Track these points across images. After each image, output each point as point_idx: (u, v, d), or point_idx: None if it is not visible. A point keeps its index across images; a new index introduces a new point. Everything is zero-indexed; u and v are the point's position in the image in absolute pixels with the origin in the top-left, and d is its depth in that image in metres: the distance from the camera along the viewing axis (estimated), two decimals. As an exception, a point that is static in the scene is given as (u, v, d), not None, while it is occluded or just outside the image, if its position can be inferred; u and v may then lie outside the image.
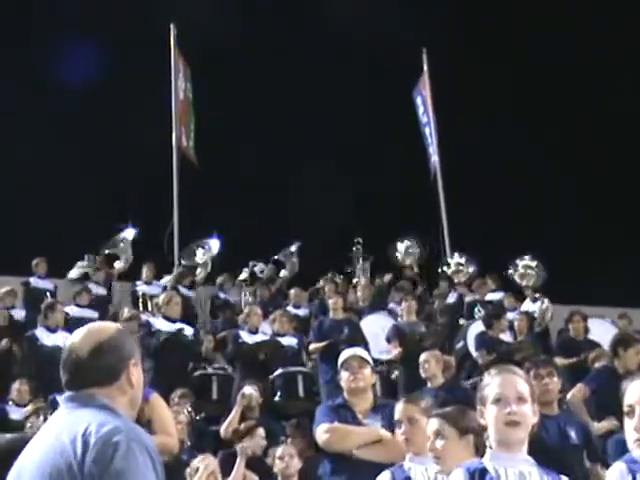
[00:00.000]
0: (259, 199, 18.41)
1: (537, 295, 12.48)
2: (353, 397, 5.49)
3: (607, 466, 4.40)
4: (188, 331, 9.70)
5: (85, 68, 17.64)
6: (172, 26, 15.70)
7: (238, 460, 7.07)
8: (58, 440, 2.61)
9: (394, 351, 10.19)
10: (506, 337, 10.61)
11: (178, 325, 9.58)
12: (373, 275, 14.96)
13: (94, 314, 12.08)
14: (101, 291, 13.34)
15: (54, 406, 8.66)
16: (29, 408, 8.46)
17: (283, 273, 14.91)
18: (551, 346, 10.67)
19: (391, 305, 12.57)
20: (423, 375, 8.54)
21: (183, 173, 15.24)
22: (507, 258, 13.78)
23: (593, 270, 16.92)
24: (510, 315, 11.48)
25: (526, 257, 13.59)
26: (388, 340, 10.31)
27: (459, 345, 10.84)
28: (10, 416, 9.16)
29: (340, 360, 5.63)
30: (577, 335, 10.33)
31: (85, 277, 13.62)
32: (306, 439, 7.99)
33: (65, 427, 2.64)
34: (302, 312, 12.80)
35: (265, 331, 10.63)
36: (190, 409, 8.15)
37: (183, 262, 14.01)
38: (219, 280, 13.92)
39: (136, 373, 2.82)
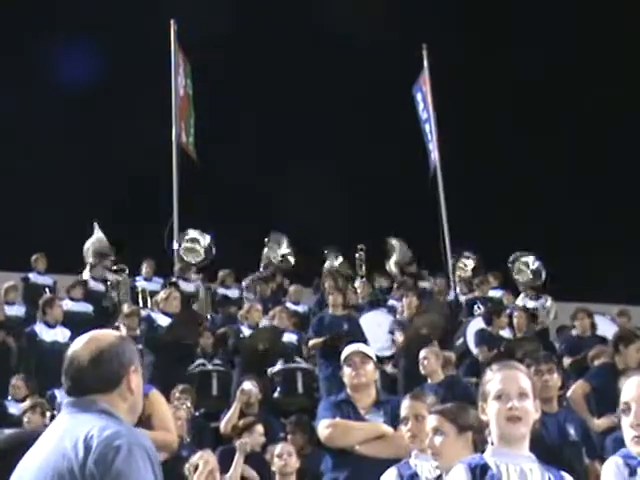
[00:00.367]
0: (257, 199, 18.42)
1: (538, 294, 12.52)
2: (355, 393, 5.47)
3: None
4: None
5: (84, 64, 17.64)
6: (172, 22, 15.69)
7: (237, 456, 7.07)
8: (60, 444, 2.65)
9: (399, 339, 10.17)
10: (506, 334, 10.63)
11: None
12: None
13: (88, 308, 12.15)
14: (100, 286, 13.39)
15: (52, 401, 8.71)
16: (26, 403, 8.48)
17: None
18: (551, 343, 10.65)
19: (391, 302, 12.56)
20: (423, 372, 8.54)
21: (183, 169, 15.22)
22: (507, 255, 13.77)
23: (592, 267, 16.91)
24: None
25: (531, 256, 13.63)
26: (391, 332, 10.32)
27: (459, 342, 10.84)
28: (9, 411, 9.27)
29: (343, 356, 5.62)
30: (583, 332, 10.24)
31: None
32: (306, 436, 8.00)
33: (67, 431, 2.68)
34: (301, 308, 12.84)
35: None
36: (190, 405, 8.15)
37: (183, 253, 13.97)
38: (220, 275, 13.92)
39: (136, 380, 2.86)
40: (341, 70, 19.30)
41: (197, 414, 8.94)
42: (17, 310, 11.73)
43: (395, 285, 13.19)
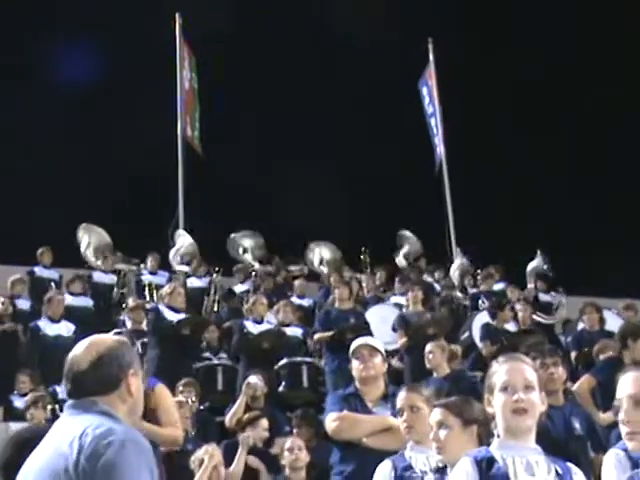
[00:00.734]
0: (257, 199, 18.42)
1: (559, 289, 12.54)
2: (364, 386, 5.48)
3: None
4: None
5: (84, 64, 17.65)
6: (177, 15, 15.69)
7: (239, 450, 7.06)
8: (59, 444, 2.71)
9: (400, 340, 10.17)
10: (511, 327, 10.63)
11: (182, 316, 9.59)
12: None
13: (88, 302, 12.14)
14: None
15: (54, 397, 8.71)
16: (28, 398, 8.47)
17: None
18: (556, 337, 10.63)
19: (395, 297, 12.53)
20: (428, 365, 8.54)
21: (188, 163, 15.23)
22: (512, 250, 13.77)
23: (592, 267, 16.91)
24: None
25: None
26: (394, 329, 10.31)
27: (464, 336, 10.84)
28: (14, 405, 9.37)
29: (351, 349, 5.62)
30: (591, 327, 10.18)
31: None
32: (312, 429, 7.99)
33: (66, 432, 2.74)
34: (306, 302, 12.84)
35: (270, 321, 10.60)
36: (194, 399, 8.13)
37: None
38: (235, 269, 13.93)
39: (135, 383, 2.91)
40: (341, 70, 19.34)
41: (202, 408, 8.93)
42: (23, 304, 11.72)
43: (397, 279, 13.13)
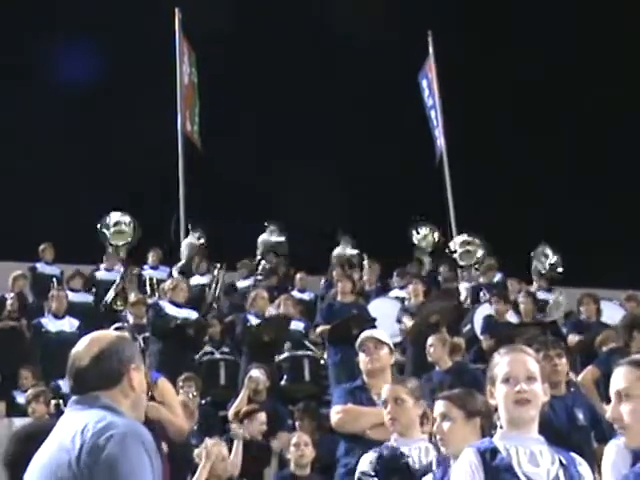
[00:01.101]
0: (257, 199, 18.42)
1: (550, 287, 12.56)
2: (371, 378, 5.48)
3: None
4: (193, 317, 9.71)
5: (84, 64, 17.65)
6: (177, 10, 15.70)
7: (235, 443, 7.07)
8: (62, 439, 2.74)
9: (408, 323, 10.17)
10: (513, 319, 10.63)
11: (184, 310, 9.59)
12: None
13: (88, 298, 12.14)
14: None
15: (57, 392, 8.72)
16: (29, 393, 8.49)
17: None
18: (560, 330, 10.61)
19: (395, 291, 12.52)
20: (429, 359, 8.54)
21: (188, 160, 15.24)
22: (514, 241, 13.76)
23: (599, 252, 16.92)
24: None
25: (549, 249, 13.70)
26: (399, 320, 10.31)
27: (466, 328, 10.85)
28: (17, 400, 9.41)
29: (357, 342, 5.63)
30: (589, 317, 10.25)
31: None
32: (314, 423, 8.01)
33: (69, 427, 2.76)
34: (307, 296, 12.84)
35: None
36: (195, 393, 8.13)
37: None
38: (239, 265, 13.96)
39: (137, 377, 2.92)
40: (341, 70, 19.35)
41: (204, 402, 8.93)
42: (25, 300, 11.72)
43: (395, 273, 13.12)
